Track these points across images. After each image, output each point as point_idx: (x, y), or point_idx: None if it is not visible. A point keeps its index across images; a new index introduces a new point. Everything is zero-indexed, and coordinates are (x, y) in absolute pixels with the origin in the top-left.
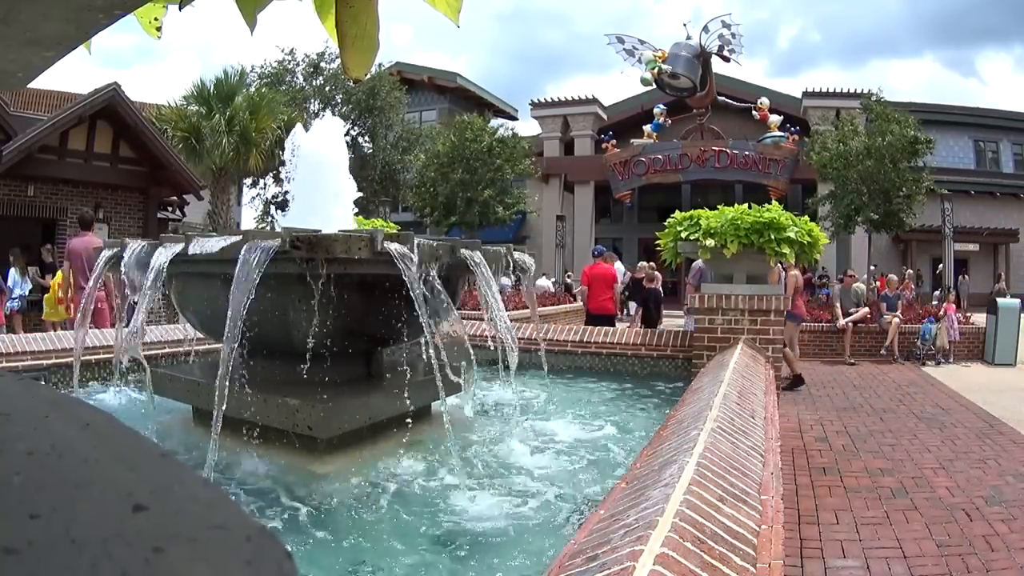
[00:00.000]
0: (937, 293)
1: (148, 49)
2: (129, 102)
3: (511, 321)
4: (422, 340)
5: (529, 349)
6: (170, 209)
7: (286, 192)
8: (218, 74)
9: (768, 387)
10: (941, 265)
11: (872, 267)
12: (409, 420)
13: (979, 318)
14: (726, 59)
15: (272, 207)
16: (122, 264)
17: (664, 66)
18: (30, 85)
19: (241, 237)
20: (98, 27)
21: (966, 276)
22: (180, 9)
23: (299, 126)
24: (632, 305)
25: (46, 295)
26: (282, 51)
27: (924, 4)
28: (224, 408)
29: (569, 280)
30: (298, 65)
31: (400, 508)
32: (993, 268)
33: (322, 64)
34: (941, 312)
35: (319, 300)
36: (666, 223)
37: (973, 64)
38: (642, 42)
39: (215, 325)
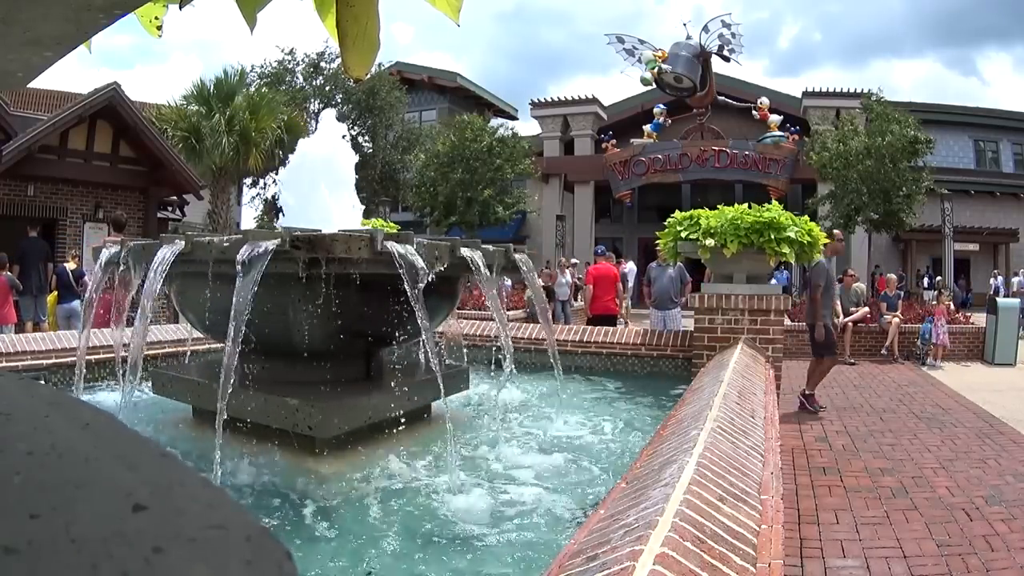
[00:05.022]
0: (933, 293)
1: (149, 49)
2: (129, 102)
3: (512, 321)
4: (422, 340)
5: (530, 349)
6: (170, 209)
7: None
8: (218, 74)
9: (768, 387)
10: (927, 268)
11: (875, 267)
12: (409, 419)
13: (979, 318)
14: (726, 59)
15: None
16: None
17: (664, 66)
18: (30, 85)
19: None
20: (98, 27)
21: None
22: (180, 8)
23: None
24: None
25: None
26: (282, 51)
27: (925, 3)
28: (225, 408)
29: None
30: (298, 65)
31: (400, 507)
32: (993, 268)
33: (322, 64)
34: (937, 312)
35: (319, 300)
36: (666, 223)
37: (974, 63)
38: (642, 42)
39: (216, 325)
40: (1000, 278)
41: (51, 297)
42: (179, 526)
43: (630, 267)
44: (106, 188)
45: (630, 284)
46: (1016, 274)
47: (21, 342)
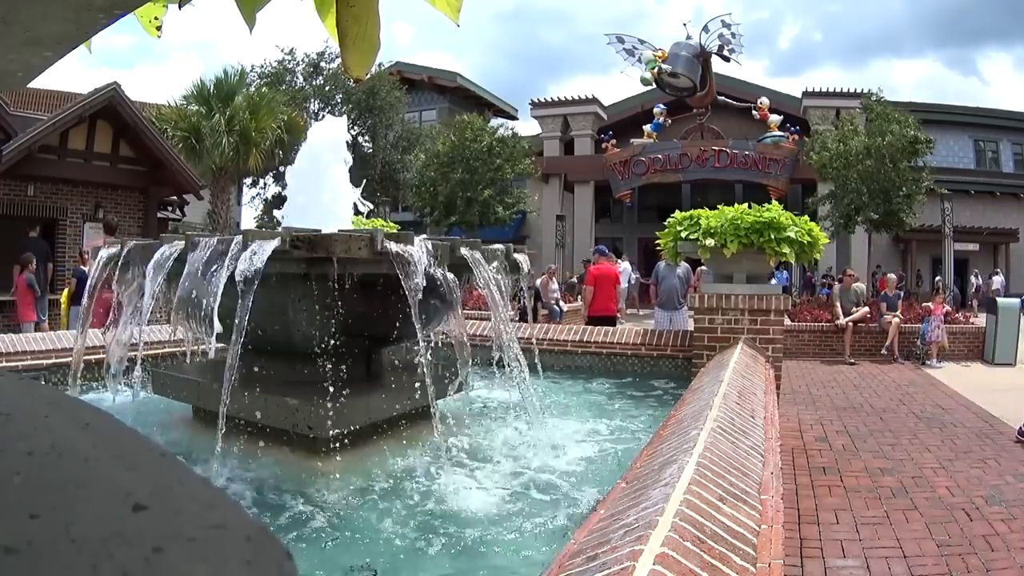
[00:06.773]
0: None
1: (149, 49)
2: (129, 102)
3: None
4: (422, 340)
5: (527, 349)
6: (170, 209)
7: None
8: (218, 74)
9: (768, 387)
10: (940, 271)
11: (876, 267)
12: (409, 419)
13: (979, 318)
14: (726, 59)
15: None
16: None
17: (664, 66)
18: (30, 85)
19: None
20: (98, 27)
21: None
22: (180, 8)
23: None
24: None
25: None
26: (282, 51)
27: (925, 3)
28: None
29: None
30: (298, 65)
31: (400, 506)
32: (993, 268)
33: (322, 64)
34: (937, 310)
35: (319, 300)
36: (666, 223)
37: (974, 63)
38: (642, 42)
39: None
40: (980, 278)
41: (64, 296)
42: (179, 526)
43: (625, 266)
44: (106, 188)
45: (624, 285)
46: (996, 273)
47: (21, 342)
